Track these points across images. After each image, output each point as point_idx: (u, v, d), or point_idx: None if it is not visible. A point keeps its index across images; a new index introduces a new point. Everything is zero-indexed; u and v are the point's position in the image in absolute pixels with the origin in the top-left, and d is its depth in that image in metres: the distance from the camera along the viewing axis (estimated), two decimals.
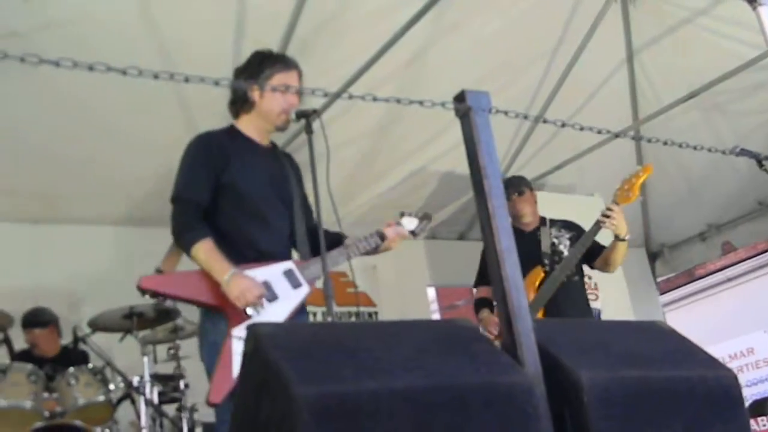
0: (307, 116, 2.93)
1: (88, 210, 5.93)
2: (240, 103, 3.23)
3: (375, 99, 1.73)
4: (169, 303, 4.58)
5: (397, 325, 1.81)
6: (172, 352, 4.86)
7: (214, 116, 5.25)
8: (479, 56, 5.69)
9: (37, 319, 5.19)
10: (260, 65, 3.18)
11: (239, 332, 2.78)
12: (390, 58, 5.21)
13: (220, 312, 2.88)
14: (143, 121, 5.18)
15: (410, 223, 3.52)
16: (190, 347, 4.80)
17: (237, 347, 2.76)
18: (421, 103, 1.83)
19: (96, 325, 4.69)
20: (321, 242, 2.70)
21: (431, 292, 7.71)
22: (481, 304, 4.53)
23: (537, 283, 4.20)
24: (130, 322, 4.60)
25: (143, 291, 2.91)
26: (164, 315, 4.71)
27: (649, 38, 6.22)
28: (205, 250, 2.89)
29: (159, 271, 3.04)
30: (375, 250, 3.33)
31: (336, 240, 3.19)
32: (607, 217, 3.86)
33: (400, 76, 5.48)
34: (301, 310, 3.07)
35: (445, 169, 6.79)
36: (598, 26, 5.97)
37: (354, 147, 5.89)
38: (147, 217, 6.13)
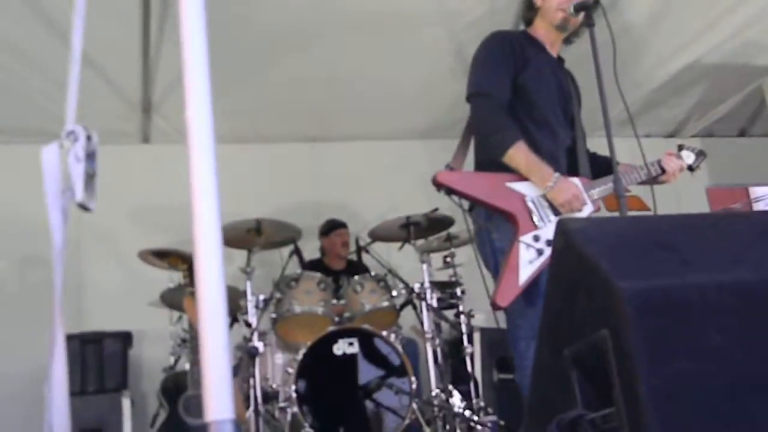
0: (586, 8, 2.81)
1: (360, 126, 6.18)
2: (527, 11, 3.23)
3: None
4: (441, 213, 4.68)
5: (714, 217, 1.69)
6: (448, 259, 4.96)
7: (474, 29, 5.24)
8: None
9: (339, 222, 5.63)
10: None
11: (528, 239, 2.78)
12: None
13: (506, 217, 2.87)
14: (406, 38, 5.21)
15: (689, 156, 3.34)
16: (464, 255, 4.90)
17: (524, 254, 2.76)
18: None
19: (376, 236, 4.92)
20: (609, 139, 2.59)
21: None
22: None
23: None
24: (407, 231, 4.76)
25: (438, 186, 2.90)
26: (438, 224, 4.81)
27: None
28: (524, 152, 2.88)
29: (450, 168, 3.03)
30: (652, 181, 3.16)
31: (607, 165, 3.02)
32: None
33: None
34: None
35: (722, 61, 6.26)
36: None
37: (622, 42, 5.57)
38: (414, 130, 6.29)
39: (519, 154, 2.88)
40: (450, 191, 2.91)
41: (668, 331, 1.31)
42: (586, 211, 2.93)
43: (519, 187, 2.90)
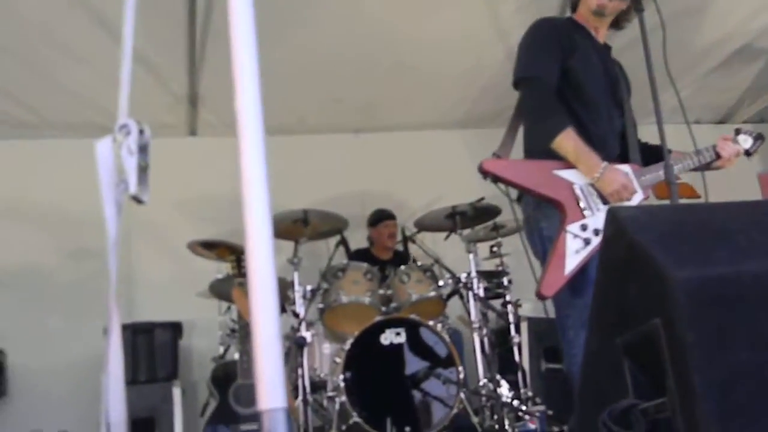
0: None
1: (406, 116, 6.17)
2: None
3: None
4: (487, 202, 4.65)
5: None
6: (494, 249, 4.94)
7: (519, 15, 5.19)
8: None
9: (387, 213, 5.64)
10: None
11: (574, 229, 2.74)
12: None
13: (554, 206, 2.84)
14: (450, 26, 5.17)
15: (746, 141, 3.25)
16: (510, 244, 4.87)
17: (571, 244, 2.73)
18: None
19: (422, 226, 4.92)
20: (659, 126, 2.54)
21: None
22: None
23: None
24: (453, 221, 4.74)
25: (484, 174, 2.87)
26: (485, 213, 4.79)
27: None
28: (573, 140, 2.82)
29: (496, 156, 3.00)
30: (706, 167, 3.10)
31: (658, 155, 2.91)
32: None
33: None
34: None
35: None
36: None
37: (672, 26, 5.47)
38: (459, 120, 6.26)
39: (567, 141, 2.82)
40: (496, 179, 2.87)
41: (723, 320, 1.29)
42: (636, 199, 2.88)
43: (567, 174, 2.85)
